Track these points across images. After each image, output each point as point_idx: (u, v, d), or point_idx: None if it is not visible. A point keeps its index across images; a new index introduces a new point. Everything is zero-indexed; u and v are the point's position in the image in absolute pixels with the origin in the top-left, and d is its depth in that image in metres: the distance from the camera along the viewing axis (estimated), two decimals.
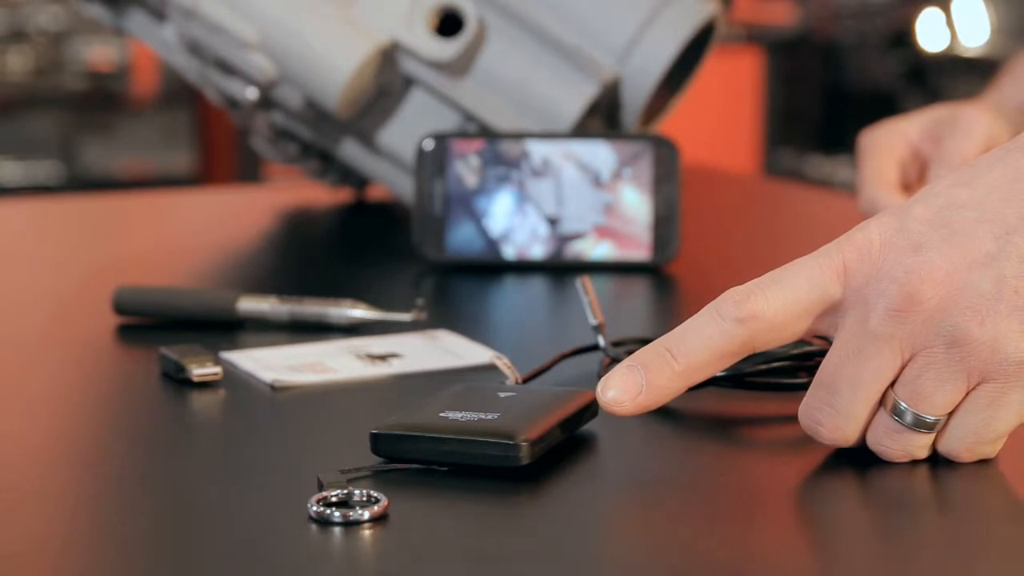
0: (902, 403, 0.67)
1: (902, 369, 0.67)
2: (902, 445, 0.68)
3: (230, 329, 0.92)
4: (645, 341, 0.83)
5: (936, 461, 0.69)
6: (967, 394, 0.66)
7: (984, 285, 0.65)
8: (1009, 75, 1.25)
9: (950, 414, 0.67)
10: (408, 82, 1.16)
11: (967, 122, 1.12)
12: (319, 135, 1.21)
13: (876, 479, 0.68)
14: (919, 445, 0.68)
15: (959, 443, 0.67)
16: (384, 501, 0.62)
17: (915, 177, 1.14)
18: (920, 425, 0.67)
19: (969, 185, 0.67)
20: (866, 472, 0.69)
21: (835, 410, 0.68)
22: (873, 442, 0.68)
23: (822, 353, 0.78)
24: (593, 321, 0.85)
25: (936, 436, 0.68)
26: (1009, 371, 0.66)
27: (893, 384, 0.67)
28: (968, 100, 1.20)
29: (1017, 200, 0.66)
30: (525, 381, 0.77)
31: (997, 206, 0.66)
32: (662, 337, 0.70)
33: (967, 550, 0.61)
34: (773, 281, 0.68)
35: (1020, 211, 0.66)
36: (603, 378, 0.70)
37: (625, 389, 0.69)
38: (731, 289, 0.69)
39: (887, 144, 1.14)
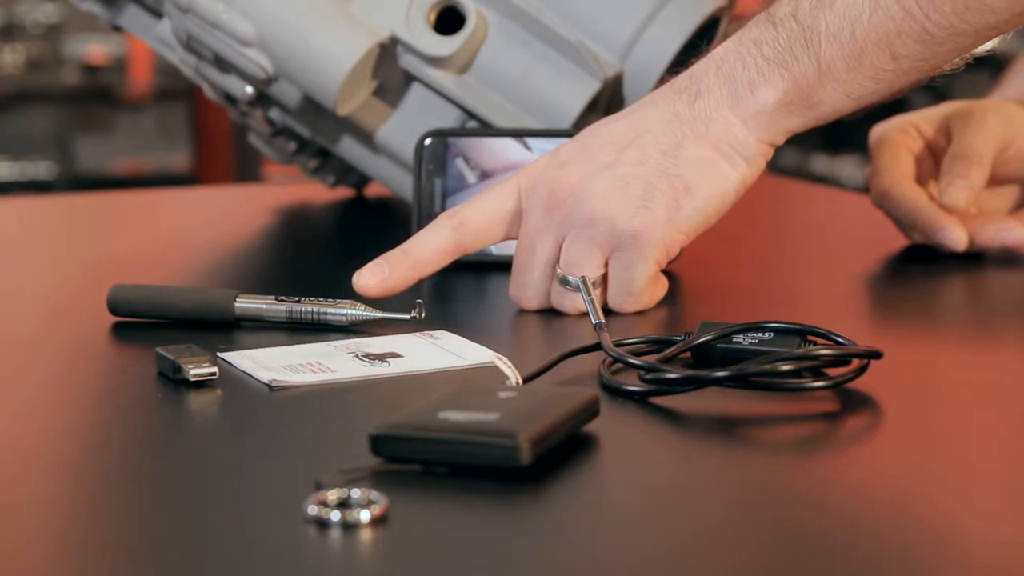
0: (562, 272, 0.92)
1: (561, 250, 0.92)
2: (570, 301, 0.92)
3: (227, 329, 0.91)
4: (649, 340, 0.83)
5: (936, 462, 0.68)
6: (608, 262, 0.92)
7: (603, 183, 0.91)
8: (1014, 73, 1.24)
9: (606, 278, 0.92)
10: (408, 78, 1.15)
11: (981, 117, 1.11)
12: (317, 132, 1.21)
13: (877, 478, 0.68)
14: (581, 302, 0.90)
15: (614, 298, 0.93)
16: (383, 502, 0.62)
17: (928, 172, 1.13)
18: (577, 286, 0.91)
19: (607, 121, 0.94)
20: (867, 471, 0.69)
21: (527, 286, 0.94)
22: (554, 304, 0.93)
23: (825, 354, 0.78)
24: (595, 320, 0.85)
25: (603, 295, 0.92)
26: (628, 242, 0.91)
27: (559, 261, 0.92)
28: (975, 100, 1.19)
29: (635, 125, 0.92)
30: (526, 381, 0.77)
31: (620, 131, 0.93)
32: (402, 244, 0.94)
33: (953, 545, 0.61)
34: (477, 199, 0.95)
35: (636, 132, 0.92)
36: (357, 272, 0.92)
37: (373, 276, 0.92)
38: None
39: (900, 137, 1.14)
